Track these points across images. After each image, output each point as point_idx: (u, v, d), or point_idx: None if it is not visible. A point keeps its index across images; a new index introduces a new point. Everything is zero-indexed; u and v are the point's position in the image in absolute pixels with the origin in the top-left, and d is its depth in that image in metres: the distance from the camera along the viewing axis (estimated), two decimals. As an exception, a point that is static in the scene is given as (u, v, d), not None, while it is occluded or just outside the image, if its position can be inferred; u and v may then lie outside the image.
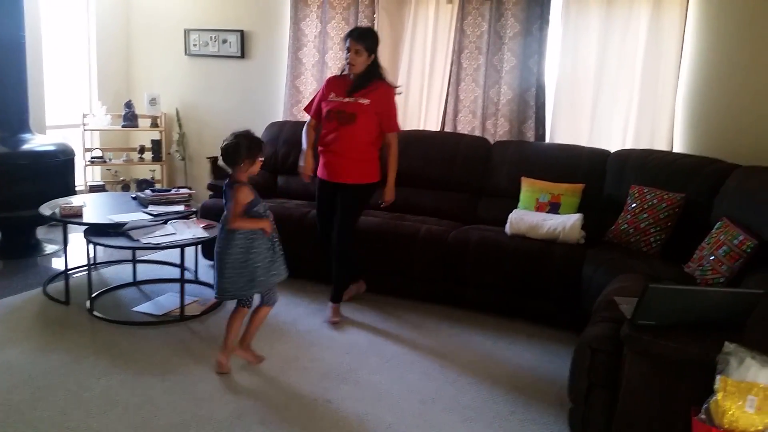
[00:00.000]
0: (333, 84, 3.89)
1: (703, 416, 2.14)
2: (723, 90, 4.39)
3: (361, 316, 4.03)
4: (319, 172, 3.93)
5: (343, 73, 3.89)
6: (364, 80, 3.75)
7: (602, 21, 4.69)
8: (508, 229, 4.12)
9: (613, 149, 4.55)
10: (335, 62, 5.47)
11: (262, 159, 3.19)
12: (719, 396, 2.09)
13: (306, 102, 4.75)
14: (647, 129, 4.66)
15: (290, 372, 3.26)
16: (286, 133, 5.29)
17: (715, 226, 3.41)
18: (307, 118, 4.06)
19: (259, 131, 5.29)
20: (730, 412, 2.06)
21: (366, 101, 3.71)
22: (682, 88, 4.54)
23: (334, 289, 3.95)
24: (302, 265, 4.24)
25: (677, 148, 4.57)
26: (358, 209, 3.89)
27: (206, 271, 4.60)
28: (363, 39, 3.68)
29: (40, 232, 5.25)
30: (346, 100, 3.75)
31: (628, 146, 4.68)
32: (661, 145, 4.57)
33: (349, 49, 3.69)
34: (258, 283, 3.15)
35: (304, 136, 4.01)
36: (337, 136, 3.76)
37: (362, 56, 3.68)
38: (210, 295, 4.19)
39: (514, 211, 4.26)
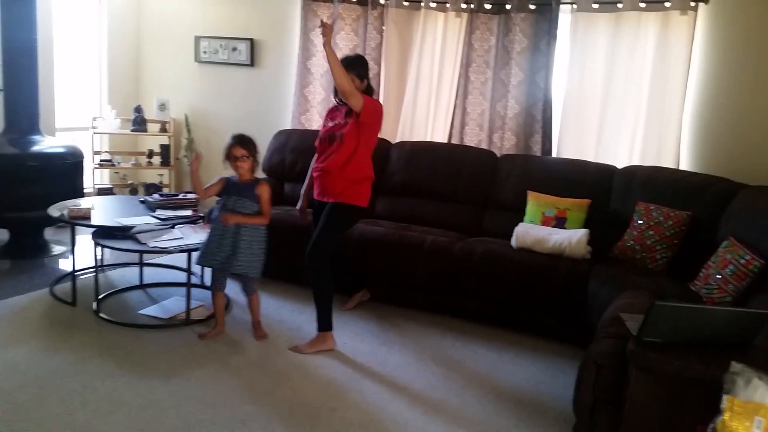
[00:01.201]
0: (330, 112, 3.89)
1: (709, 435, 2.15)
2: (730, 109, 4.41)
3: (365, 325, 4.04)
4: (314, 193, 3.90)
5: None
6: None
7: (610, 38, 4.72)
8: (513, 242, 4.13)
9: (619, 165, 4.56)
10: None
11: (234, 159, 3.68)
12: (726, 416, 2.09)
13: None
14: (654, 146, 4.68)
15: (295, 378, 3.27)
16: (293, 141, 5.32)
17: (722, 245, 3.42)
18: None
19: (267, 139, 5.38)
20: (736, 432, 2.06)
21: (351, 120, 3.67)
22: (689, 106, 4.57)
23: (317, 314, 3.71)
24: (307, 273, 4.25)
25: (684, 166, 4.59)
26: (331, 228, 3.70)
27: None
28: (352, 67, 3.65)
29: (48, 234, 5.27)
30: (339, 122, 3.73)
31: (635, 163, 4.68)
32: (667, 162, 4.58)
33: None
34: (204, 259, 3.65)
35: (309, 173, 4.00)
36: (326, 157, 3.72)
37: (355, 83, 3.63)
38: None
39: (520, 224, 4.27)
